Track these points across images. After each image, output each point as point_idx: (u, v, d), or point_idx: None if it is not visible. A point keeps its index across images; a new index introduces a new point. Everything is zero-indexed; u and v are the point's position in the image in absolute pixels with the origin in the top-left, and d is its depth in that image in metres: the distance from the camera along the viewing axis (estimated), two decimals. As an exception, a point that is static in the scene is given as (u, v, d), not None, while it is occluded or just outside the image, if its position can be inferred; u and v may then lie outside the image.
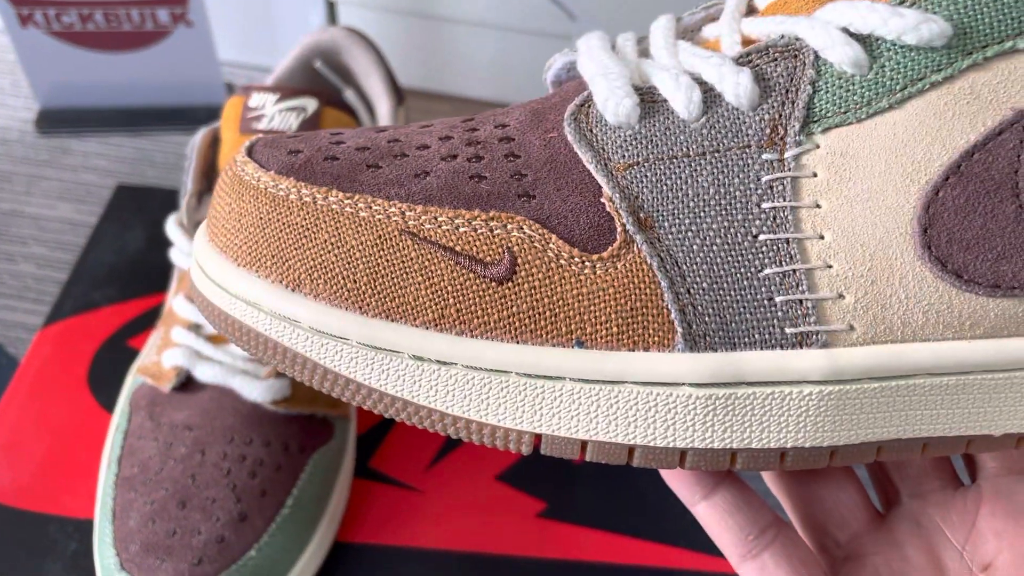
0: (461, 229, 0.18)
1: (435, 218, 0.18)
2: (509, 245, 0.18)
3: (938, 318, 0.19)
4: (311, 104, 0.34)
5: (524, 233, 0.18)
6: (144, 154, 0.60)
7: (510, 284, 0.18)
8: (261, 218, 0.19)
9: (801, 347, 0.19)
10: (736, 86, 0.18)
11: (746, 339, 0.19)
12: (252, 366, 0.32)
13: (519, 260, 0.18)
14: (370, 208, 0.19)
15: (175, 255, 0.34)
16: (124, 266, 0.43)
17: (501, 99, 0.66)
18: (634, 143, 0.19)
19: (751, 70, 0.19)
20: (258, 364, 0.32)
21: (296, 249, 0.19)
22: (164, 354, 0.33)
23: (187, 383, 0.32)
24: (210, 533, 0.30)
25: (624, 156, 0.19)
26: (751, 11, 0.21)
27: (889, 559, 0.22)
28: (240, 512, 0.30)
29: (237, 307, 0.19)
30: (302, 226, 0.19)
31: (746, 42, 0.20)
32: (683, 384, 0.18)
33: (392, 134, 0.21)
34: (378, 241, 0.18)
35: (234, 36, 0.64)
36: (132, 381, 0.34)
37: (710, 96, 0.19)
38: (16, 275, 0.50)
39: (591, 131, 0.19)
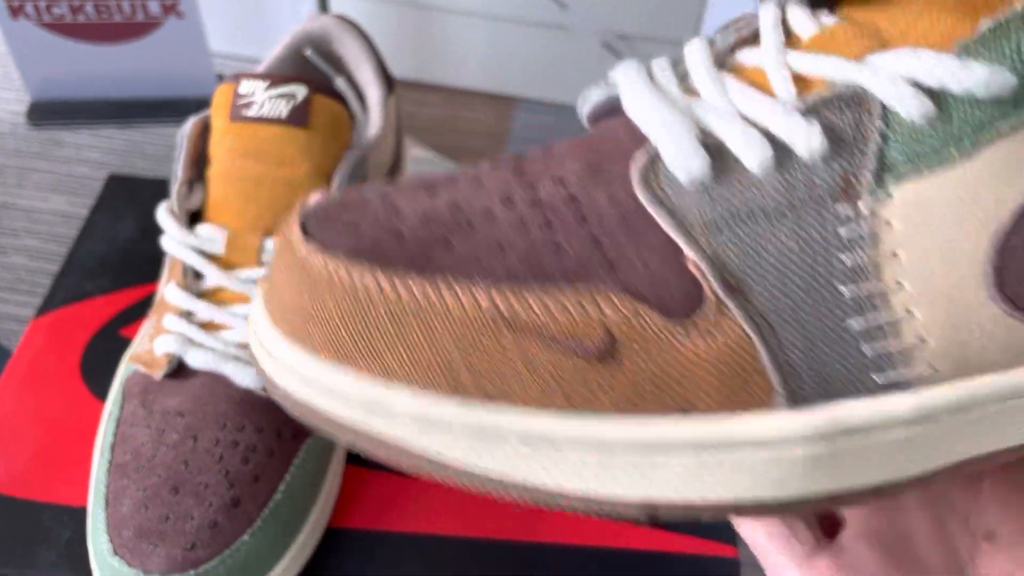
0: (555, 312, 0.18)
1: (527, 303, 0.18)
2: (605, 323, 0.18)
3: (1014, 353, 0.19)
4: (301, 91, 0.34)
5: (617, 309, 0.18)
6: (135, 146, 0.60)
7: (611, 360, 0.18)
8: (343, 314, 0.18)
9: (890, 392, 0.19)
10: (808, 141, 0.18)
11: (840, 390, 0.19)
12: (244, 352, 0.32)
13: (616, 335, 0.18)
14: (457, 297, 0.18)
15: (166, 243, 0.34)
16: (116, 256, 0.43)
17: (492, 89, 0.66)
18: (711, 202, 0.18)
19: (819, 122, 0.18)
20: (250, 351, 0.32)
21: (387, 345, 0.18)
22: (156, 341, 0.33)
23: (179, 370, 0.32)
24: (203, 518, 0.30)
25: (703, 217, 0.18)
26: (790, 38, 0.21)
27: (894, 522, 0.23)
28: (233, 497, 0.30)
29: (324, 400, 0.18)
30: (390, 322, 0.18)
31: (797, 79, 0.19)
32: (789, 440, 0.19)
33: (449, 197, 0.20)
34: (473, 333, 0.18)
35: (225, 27, 0.64)
36: (124, 369, 0.34)
37: (779, 150, 0.19)
38: (8, 267, 0.50)
39: (664, 192, 0.19)
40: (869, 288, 0.19)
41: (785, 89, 0.19)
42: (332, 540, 0.34)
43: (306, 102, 0.34)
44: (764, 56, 0.20)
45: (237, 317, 0.33)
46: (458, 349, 0.18)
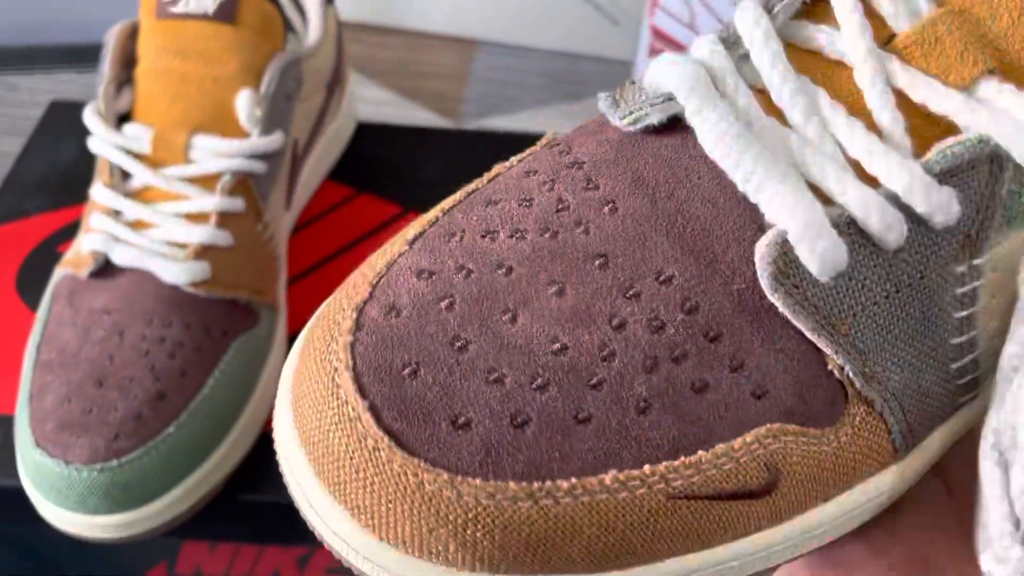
0: (725, 467, 0.16)
1: (698, 469, 0.16)
2: (768, 460, 0.16)
3: None
4: (228, -13, 0.33)
5: (778, 441, 0.16)
6: (91, 90, 0.59)
7: (776, 491, 0.17)
8: (461, 539, 0.15)
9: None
10: (947, 213, 0.16)
11: (933, 425, 0.19)
12: (171, 248, 0.32)
13: (780, 467, 0.17)
14: (626, 486, 0.15)
15: (93, 143, 0.33)
16: (56, 177, 0.42)
17: (453, 32, 0.65)
18: (848, 292, 0.16)
19: (953, 186, 0.16)
20: (178, 247, 0.32)
21: (532, 555, 0.15)
22: (83, 240, 0.32)
23: (106, 269, 0.32)
24: (127, 411, 0.29)
25: (841, 311, 0.16)
26: (876, 24, 0.18)
27: None
28: (158, 391, 0.30)
29: None
30: (540, 533, 0.15)
31: (903, 104, 0.17)
32: (901, 488, 0.19)
33: (548, 333, 0.16)
34: (648, 516, 0.15)
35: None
36: (56, 275, 0.34)
37: (914, 221, 0.16)
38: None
39: (800, 289, 0.16)
40: (972, 334, 0.18)
41: (893, 122, 0.17)
42: (270, 443, 0.33)
43: (234, -2, 0.33)
44: (853, 54, 0.17)
45: (164, 215, 0.32)
46: (637, 536, 0.16)
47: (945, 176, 0.16)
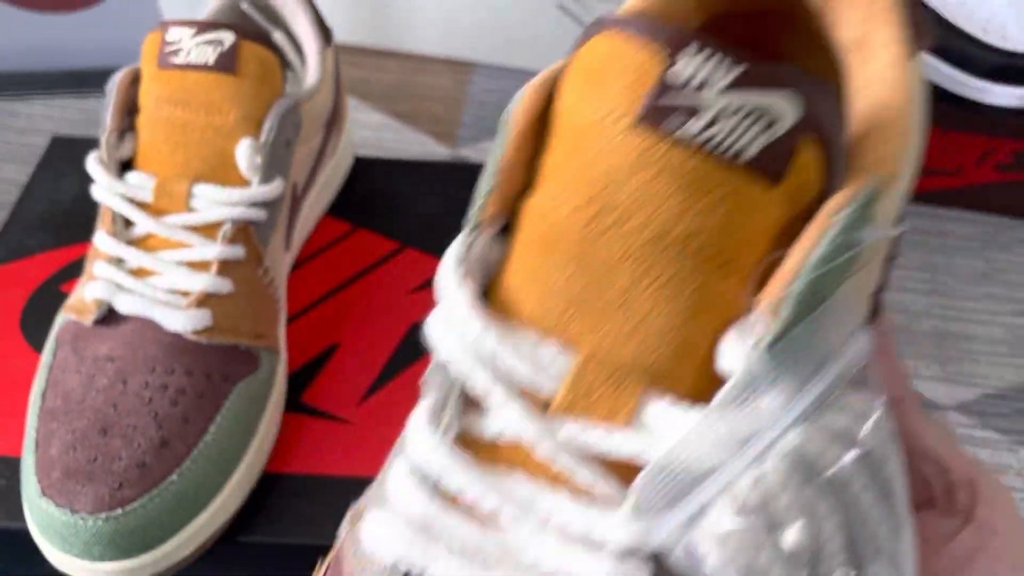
0: None
1: None
2: None
3: None
4: (228, 37, 0.34)
5: None
6: (90, 115, 0.60)
7: None
8: None
9: None
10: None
11: None
12: (173, 297, 0.32)
13: None
14: None
15: (96, 191, 0.34)
16: (58, 215, 0.43)
17: (449, 55, 0.66)
18: None
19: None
20: (180, 295, 0.33)
21: None
22: (86, 288, 0.33)
23: (110, 316, 0.33)
24: (131, 459, 0.30)
25: None
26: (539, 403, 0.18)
27: None
28: (161, 438, 0.31)
29: None
30: None
31: (595, 459, 0.17)
32: None
33: None
34: None
35: (178, -5, 0.63)
36: (59, 320, 0.34)
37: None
38: (-43, 233, 0.50)
39: None
40: None
41: (594, 480, 0.17)
42: (269, 483, 0.34)
43: (234, 48, 0.34)
44: (527, 435, 0.18)
45: (166, 263, 0.33)
46: None
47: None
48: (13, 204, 0.44)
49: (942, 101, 0.53)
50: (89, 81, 0.61)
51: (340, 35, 0.48)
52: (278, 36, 0.40)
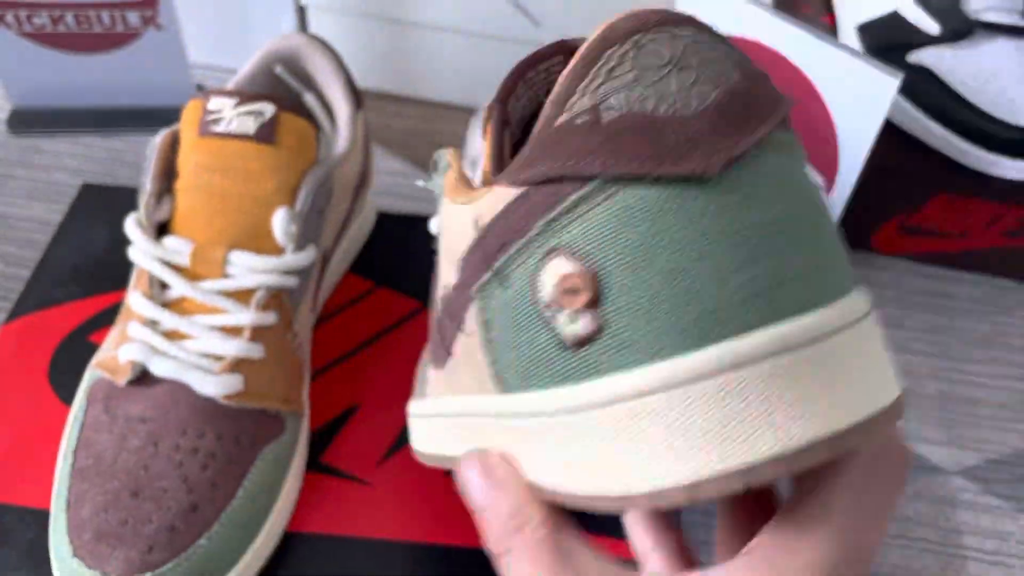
0: None
1: None
2: None
3: None
4: (268, 109, 0.35)
5: None
6: (115, 154, 0.61)
7: None
8: None
9: None
10: None
11: None
12: (206, 361, 0.33)
13: None
14: None
15: (134, 253, 0.35)
16: (88, 264, 0.43)
17: (466, 103, 0.67)
18: None
19: None
20: (213, 359, 0.33)
21: None
22: (121, 349, 0.34)
23: (143, 377, 0.33)
24: (161, 522, 0.31)
25: None
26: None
27: None
28: (191, 503, 0.31)
29: None
30: None
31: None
32: None
33: None
34: None
35: (204, 39, 0.65)
36: (90, 375, 0.35)
37: None
38: (-17, 272, 0.51)
39: None
40: None
41: None
42: (290, 544, 0.35)
43: (273, 120, 0.35)
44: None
45: (201, 327, 0.34)
46: None
47: None
48: (42, 253, 0.45)
49: (952, 170, 0.54)
50: (114, 120, 0.62)
51: (361, 81, 0.50)
52: (310, 98, 0.41)
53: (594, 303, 0.19)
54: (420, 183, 0.31)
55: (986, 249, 0.58)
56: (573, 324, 0.20)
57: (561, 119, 0.20)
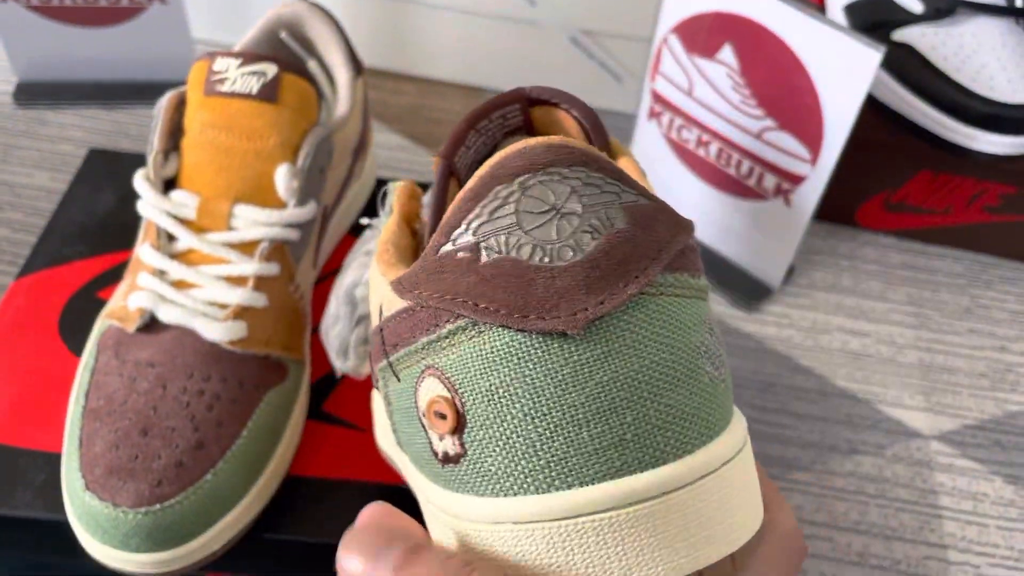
0: None
1: None
2: None
3: None
4: (271, 69, 0.36)
5: None
6: (119, 126, 0.62)
7: None
8: None
9: None
10: None
11: None
12: (212, 309, 0.35)
13: None
14: None
15: (142, 207, 0.36)
16: (95, 225, 0.45)
17: (464, 80, 0.68)
18: None
19: None
20: (218, 307, 0.35)
21: None
22: (130, 297, 0.35)
23: (151, 324, 0.35)
24: (169, 458, 0.32)
25: None
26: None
27: None
28: (198, 440, 0.33)
29: None
30: None
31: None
32: None
33: None
34: None
35: (207, 15, 0.66)
36: (100, 325, 0.37)
37: None
38: (-8, 236, 0.53)
39: None
40: None
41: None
42: (292, 486, 0.37)
43: (276, 79, 0.36)
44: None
45: (207, 277, 0.35)
46: None
47: None
48: (51, 213, 0.47)
49: (935, 146, 0.56)
50: (119, 93, 0.63)
51: (361, 58, 0.51)
52: (312, 65, 0.42)
53: (458, 430, 0.20)
54: (364, 221, 0.32)
55: (968, 225, 0.60)
56: (442, 442, 0.20)
57: (445, 249, 0.20)
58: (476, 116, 0.26)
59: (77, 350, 0.40)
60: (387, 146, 0.65)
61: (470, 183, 0.20)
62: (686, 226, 0.21)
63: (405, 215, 0.27)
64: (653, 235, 0.20)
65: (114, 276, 0.42)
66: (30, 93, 0.63)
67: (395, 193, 0.28)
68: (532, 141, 0.20)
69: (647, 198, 0.20)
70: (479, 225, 0.20)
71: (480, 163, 0.26)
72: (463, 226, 0.20)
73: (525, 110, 0.26)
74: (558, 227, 0.19)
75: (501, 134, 0.27)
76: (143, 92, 0.63)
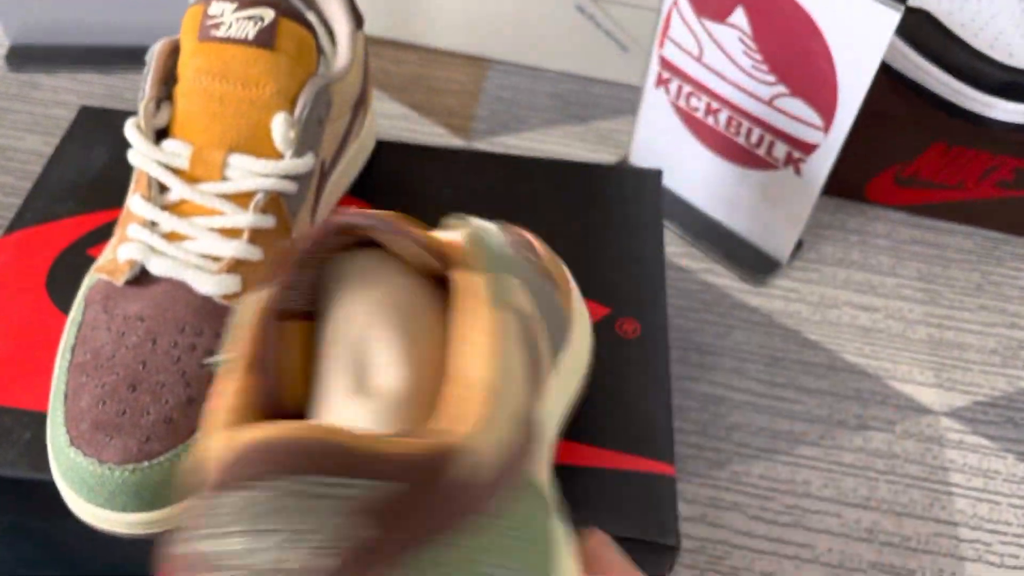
0: None
1: None
2: None
3: None
4: (268, 14, 0.35)
5: None
6: (113, 91, 0.61)
7: None
8: None
9: None
10: None
11: None
12: (205, 262, 0.33)
13: None
14: None
15: (133, 156, 0.35)
16: (86, 182, 0.44)
17: (467, 50, 0.67)
18: None
19: None
20: (211, 260, 0.34)
21: None
22: (119, 249, 0.34)
23: (141, 278, 0.34)
24: (159, 414, 0.31)
25: None
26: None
27: None
28: (188, 396, 0.32)
29: None
30: None
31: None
32: None
33: None
34: None
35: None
36: (88, 279, 0.35)
37: None
38: (-19, 197, 0.51)
39: None
40: None
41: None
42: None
43: (273, 25, 0.35)
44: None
45: (199, 228, 0.34)
46: None
47: None
48: (40, 170, 0.45)
49: (950, 116, 0.54)
50: (113, 58, 0.62)
51: (364, 26, 0.50)
52: (311, 18, 0.41)
53: None
54: (208, 361, 0.32)
55: (980, 201, 0.59)
56: None
57: (182, 537, 0.17)
58: (297, 261, 0.23)
59: (65, 308, 0.38)
60: (389, 115, 0.63)
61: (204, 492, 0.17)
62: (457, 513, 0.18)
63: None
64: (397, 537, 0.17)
65: (105, 233, 0.41)
66: (23, 57, 0.62)
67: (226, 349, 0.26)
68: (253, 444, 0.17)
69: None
70: (191, 516, 0.17)
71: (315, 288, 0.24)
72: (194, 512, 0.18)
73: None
74: (247, 544, 0.16)
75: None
76: (137, 56, 0.62)
